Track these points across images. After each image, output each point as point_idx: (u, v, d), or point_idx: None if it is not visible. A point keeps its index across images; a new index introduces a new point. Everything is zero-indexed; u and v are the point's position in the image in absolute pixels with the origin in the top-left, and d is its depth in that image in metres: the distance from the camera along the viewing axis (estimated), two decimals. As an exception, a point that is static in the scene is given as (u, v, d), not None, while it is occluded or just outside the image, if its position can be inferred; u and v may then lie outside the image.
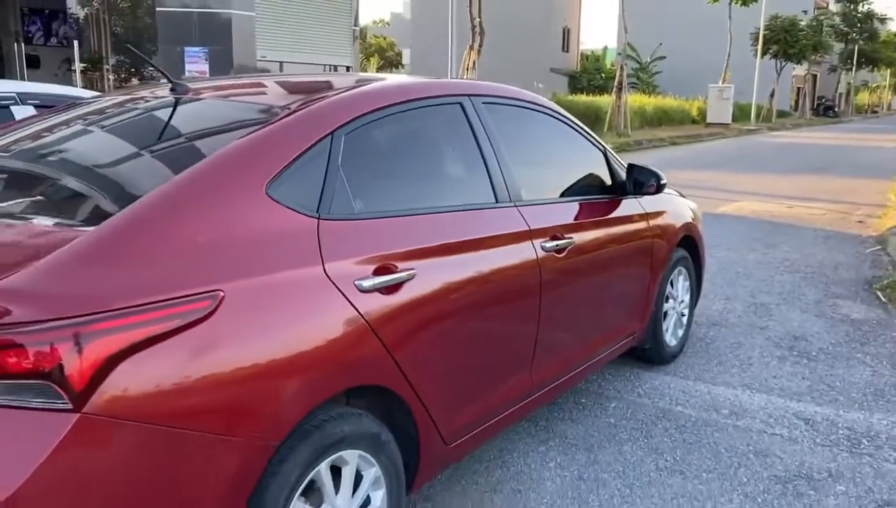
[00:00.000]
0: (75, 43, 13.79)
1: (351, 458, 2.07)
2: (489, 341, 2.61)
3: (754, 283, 5.95)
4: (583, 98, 28.47)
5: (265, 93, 2.63)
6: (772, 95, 38.15)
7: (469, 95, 2.80)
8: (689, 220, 4.19)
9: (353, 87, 2.46)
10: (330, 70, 17.83)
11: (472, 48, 17.30)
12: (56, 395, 1.47)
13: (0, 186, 2.13)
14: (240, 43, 14.30)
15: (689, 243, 4.24)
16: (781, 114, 43.16)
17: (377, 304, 2.10)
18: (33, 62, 17.18)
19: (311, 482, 1.96)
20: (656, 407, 3.62)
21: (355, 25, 18.57)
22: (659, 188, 3.53)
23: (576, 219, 3.13)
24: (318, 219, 2.05)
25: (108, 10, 17.21)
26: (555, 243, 2.88)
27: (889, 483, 2.95)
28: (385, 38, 62.52)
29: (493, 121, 2.83)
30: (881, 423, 3.47)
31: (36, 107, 4.31)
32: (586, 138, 3.46)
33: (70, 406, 1.47)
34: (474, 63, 17.19)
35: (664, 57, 42.81)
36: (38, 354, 1.46)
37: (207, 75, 13.89)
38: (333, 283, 1.99)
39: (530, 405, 2.95)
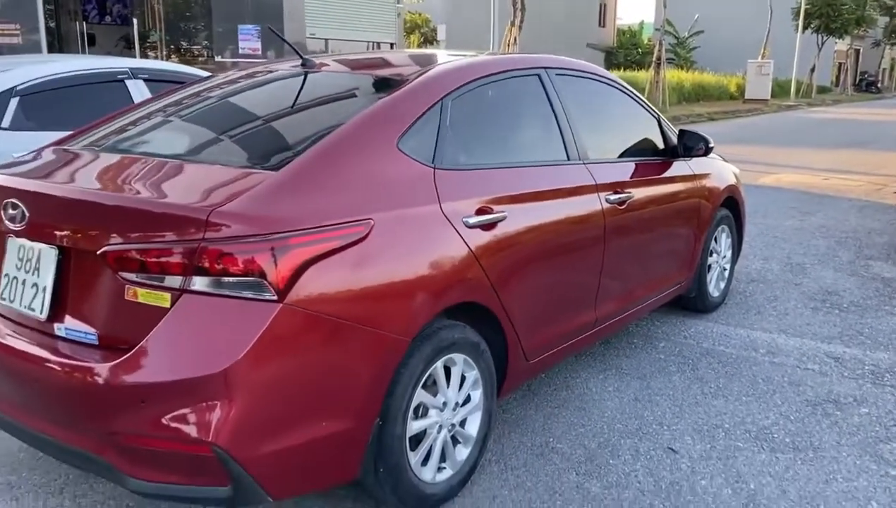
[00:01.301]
0: (134, 21, 14.39)
1: (458, 360, 2.57)
2: (563, 276, 3.10)
3: (791, 246, 6.35)
4: (621, 74, 28.59)
5: (379, 67, 3.11)
6: (812, 71, 37.73)
7: (545, 68, 3.26)
8: (732, 183, 4.62)
9: (454, 61, 2.94)
10: (374, 47, 18.29)
11: (513, 24, 17.62)
12: (266, 289, 1.98)
13: (206, 140, 2.67)
14: (290, 21, 14.82)
15: (731, 204, 4.67)
16: (822, 89, 42.65)
17: (479, 238, 2.59)
18: (90, 40, 17.91)
19: (429, 377, 2.48)
20: (700, 346, 4.09)
21: (399, 3, 18.99)
22: (707, 151, 3.97)
23: (634, 176, 3.59)
24: (434, 168, 2.54)
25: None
26: (617, 196, 3.35)
27: (907, 407, 3.39)
28: (420, 14, 62.64)
29: (564, 90, 3.29)
30: (903, 361, 3.91)
31: (146, 81, 4.86)
32: (642, 106, 3.91)
33: (276, 298, 1.99)
34: (515, 39, 17.53)
35: (702, 31, 42.45)
36: (253, 259, 1.98)
37: (260, 52, 14.45)
38: (448, 219, 2.49)
39: (593, 336, 3.43)
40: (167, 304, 1.99)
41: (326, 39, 17.01)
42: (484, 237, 2.62)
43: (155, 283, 2.00)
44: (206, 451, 1.95)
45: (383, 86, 2.70)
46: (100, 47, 17.96)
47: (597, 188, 3.24)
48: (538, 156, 3.13)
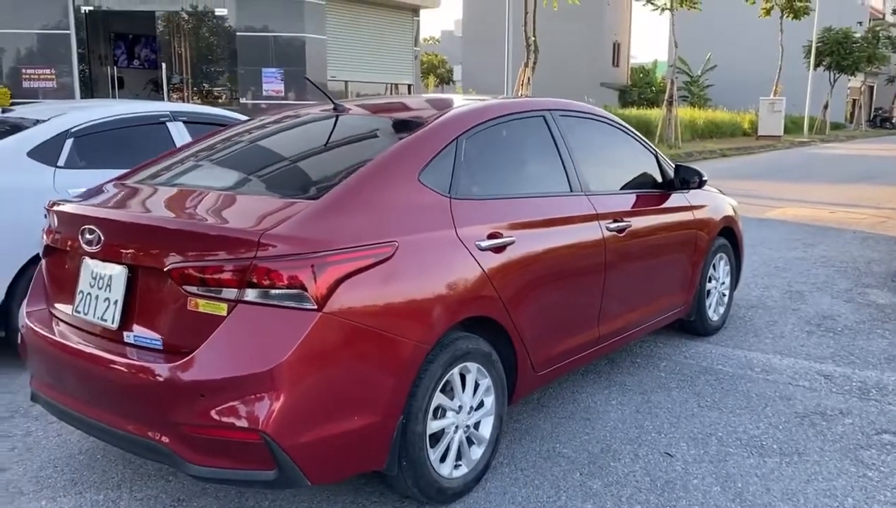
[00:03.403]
0: (163, 66, 15.03)
1: (472, 369, 2.90)
2: (567, 297, 3.42)
3: (792, 275, 6.63)
4: (633, 112, 29.10)
5: (402, 110, 3.49)
6: (825, 107, 38.05)
7: (549, 110, 3.63)
8: (729, 214, 4.94)
9: (468, 105, 3.31)
10: (392, 88, 18.88)
11: (526, 65, 18.15)
12: (307, 300, 2.33)
13: (254, 174, 3.05)
14: (312, 64, 15.42)
15: (729, 234, 4.99)
16: (836, 126, 42.92)
17: (490, 260, 2.93)
18: (119, 83, 18.65)
19: (447, 383, 2.80)
20: (699, 365, 4.38)
21: (416, 46, 19.63)
22: (701, 183, 4.31)
23: (633, 207, 3.93)
24: (450, 198, 2.89)
25: (186, 35, 18.53)
26: (616, 225, 3.68)
27: (889, 419, 3.66)
28: (436, 56, 63.91)
29: (567, 130, 3.66)
30: (890, 379, 4.17)
31: (184, 123, 5.29)
32: (640, 143, 4.27)
33: (315, 307, 2.33)
34: (529, 79, 18.04)
35: (715, 66, 43.10)
36: (296, 274, 2.32)
37: (282, 94, 15.04)
38: (462, 243, 2.83)
39: (596, 353, 3.74)
40: (224, 313, 2.34)
41: (346, 81, 17.64)
42: (495, 259, 2.96)
43: (213, 295, 2.35)
44: (255, 438, 2.28)
45: (406, 127, 3.07)
46: (128, 90, 18.69)
47: (598, 217, 3.58)
48: (543, 187, 3.48)
